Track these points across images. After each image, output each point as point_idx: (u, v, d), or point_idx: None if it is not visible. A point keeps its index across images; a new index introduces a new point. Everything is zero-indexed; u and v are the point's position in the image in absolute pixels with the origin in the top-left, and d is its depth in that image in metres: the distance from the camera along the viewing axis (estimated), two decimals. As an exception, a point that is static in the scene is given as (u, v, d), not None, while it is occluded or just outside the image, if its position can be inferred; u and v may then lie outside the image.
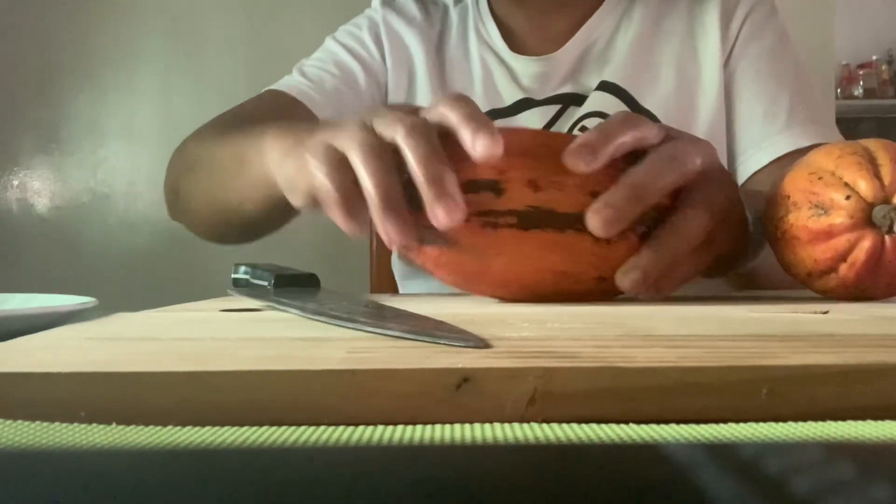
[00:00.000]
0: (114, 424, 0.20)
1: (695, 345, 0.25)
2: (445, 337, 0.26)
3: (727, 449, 0.12)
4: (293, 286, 0.47)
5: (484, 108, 0.75)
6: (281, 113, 0.73)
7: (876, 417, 0.20)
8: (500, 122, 0.73)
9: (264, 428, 0.19)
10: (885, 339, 0.26)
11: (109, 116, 1.79)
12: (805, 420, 0.20)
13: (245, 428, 0.19)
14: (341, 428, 0.19)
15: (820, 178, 0.43)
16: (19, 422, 0.20)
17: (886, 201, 0.41)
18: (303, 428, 0.19)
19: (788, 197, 0.44)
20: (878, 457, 0.12)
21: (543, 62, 0.79)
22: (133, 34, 1.76)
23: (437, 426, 0.20)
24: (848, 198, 0.42)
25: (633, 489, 0.10)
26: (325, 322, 0.33)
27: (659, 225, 0.43)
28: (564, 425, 0.20)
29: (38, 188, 1.81)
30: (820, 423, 0.20)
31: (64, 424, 0.20)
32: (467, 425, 0.20)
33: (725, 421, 0.20)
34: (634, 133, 0.42)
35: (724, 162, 0.74)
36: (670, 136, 0.44)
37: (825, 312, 0.36)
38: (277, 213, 0.57)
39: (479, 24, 0.82)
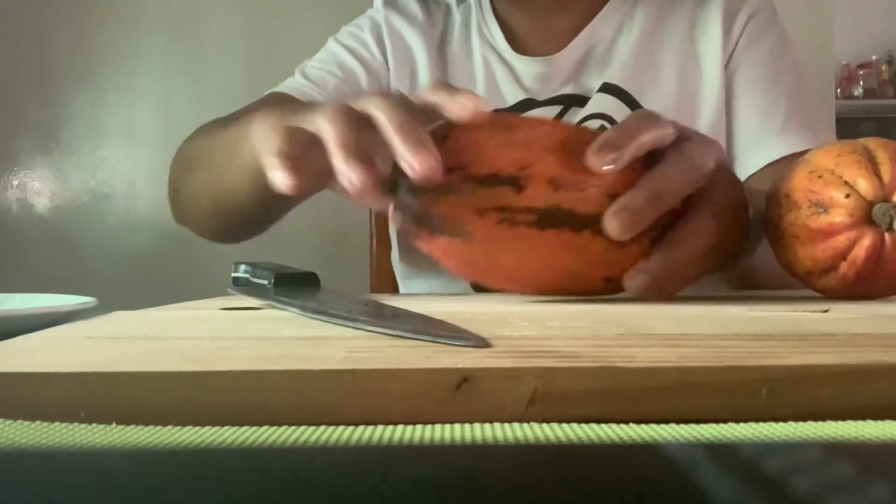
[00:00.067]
0: (114, 424, 0.20)
1: (695, 344, 0.25)
2: (445, 336, 0.26)
3: (727, 449, 0.12)
4: (293, 285, 0.47)
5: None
6: None
7: (876, 417, 0.20)
8: None
9: (264, 428, 0.19)
10: (886, 339, 0.26)
11: (109, 116, 1.78)
12: (805, 420, 0.20)
13: (245, 428, 0.19)
14: (341, 428, 0.19)
15: (819, 177, 0.43)
16: (19, 422, 0.20)
17: (886, 199, 0.41)
18: (303, 428, 0.19)
19: (788, 196, 0.44)
20: (878, 457, 0.12)
21: (545, 63, 0.79)
22: (133, 34, 1.76)
23: (437, 426, 0.20)
24: (848, 196, 0.42)
25: (633, 489, 0.10)
26: (325, 321, 0.33)
27: (669, 229, 0.43)
28: (564, 425, 0.20)
29: (38, 188, 1.81)
30: (820, 423, 0.20)
31: (64, 424, 0.20)
32: (467, 425, 0.20)
33: (725, 421, 0.20)
34: (654, 132, 0.42)
35: (725, 162, 0.74)
36: (683, 135, 0.44)
37: (825, 311, 0.36)
38: (270, 198, 0.57)
39: (481, 25, 0.82)
